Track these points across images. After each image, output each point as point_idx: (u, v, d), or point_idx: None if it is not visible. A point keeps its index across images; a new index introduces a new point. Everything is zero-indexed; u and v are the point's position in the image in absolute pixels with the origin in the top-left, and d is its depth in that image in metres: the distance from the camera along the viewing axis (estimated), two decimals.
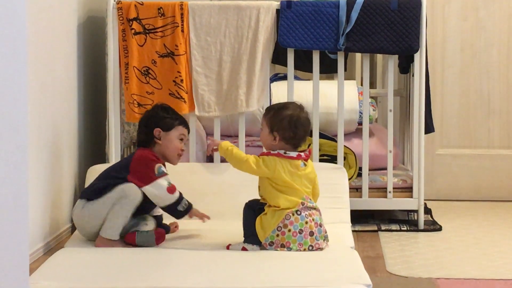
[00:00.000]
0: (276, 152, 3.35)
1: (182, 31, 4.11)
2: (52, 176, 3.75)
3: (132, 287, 2.83)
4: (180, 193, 3.52)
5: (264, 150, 3.47)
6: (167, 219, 3.72)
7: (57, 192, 3.80)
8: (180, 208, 3.49)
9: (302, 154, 3.37)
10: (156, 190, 3.47)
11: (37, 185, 3.53)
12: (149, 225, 3.52)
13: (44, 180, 3.64)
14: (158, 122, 3.60)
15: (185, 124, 3.67)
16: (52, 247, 3.68)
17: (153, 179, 3.47)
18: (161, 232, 3.48)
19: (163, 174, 3.49)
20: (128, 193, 3.45)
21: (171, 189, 3.47)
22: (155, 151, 3.58)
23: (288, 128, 3.36)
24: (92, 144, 4.48)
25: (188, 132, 3.71)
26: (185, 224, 3.74)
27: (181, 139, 3.62)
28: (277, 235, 3.28)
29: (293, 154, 3.36)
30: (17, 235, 2.57)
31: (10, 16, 2.50)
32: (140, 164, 3.50)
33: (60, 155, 3.88)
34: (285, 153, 3.35)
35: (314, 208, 3.36)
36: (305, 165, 3.38)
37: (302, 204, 3.31)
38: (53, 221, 3.75)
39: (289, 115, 3.38)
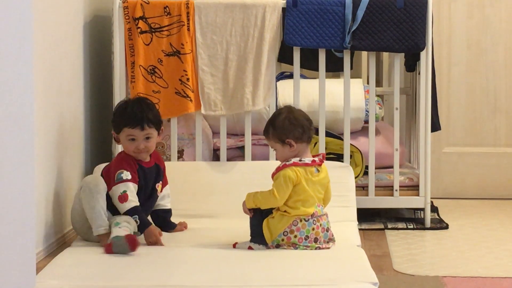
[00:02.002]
0: (291, 162, 3.32)
1: (188, 29, 4.11)
2: (57, 175, 3.75)
3: (138, 285, 2.83)
4: (134, 208, 3.39)
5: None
6: (178, 217, 3.73)
7: (62, 191, 3.80)
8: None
9: (316, 159, 3.36)
10: (113, 197, 3.44)
11: (42, 184, 3.54)
12: (122, 228, 3.30)
13: (49, 179, 3.64)
14: (112, 123, 3.55)
15: (132, 123, 3.46)
16: (57, 246, 3.67)
17: (112, 185, 3.44)
18: (132, 238, 3.21)
19: (121, 181, 3.43)
20: (87, 181, 3.44)
21: (121, 198, 3.41)
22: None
23: (293, 127, 3.34)
24: (98, 143, 4.48)
25: (141, 129, 3.46)
26: (191, 222, 3.74)
27: (133, 139, 3.48)
28: (283, 240, 3.28)
29: (308, 160, 3.33)
30: (24, 234, 2.57)
31: (16, 15, 2.51)
32: (109, 168, 3.51)
33: (66, 154, 3.88)
34: (300, 160, 3.32)
35: (323, 214, 3.36)
36: (318, 170, 3.36)
37: (312, 216, 3.30)
38: (59, 220, 3.75)
39: (285, 117, 3.36)
